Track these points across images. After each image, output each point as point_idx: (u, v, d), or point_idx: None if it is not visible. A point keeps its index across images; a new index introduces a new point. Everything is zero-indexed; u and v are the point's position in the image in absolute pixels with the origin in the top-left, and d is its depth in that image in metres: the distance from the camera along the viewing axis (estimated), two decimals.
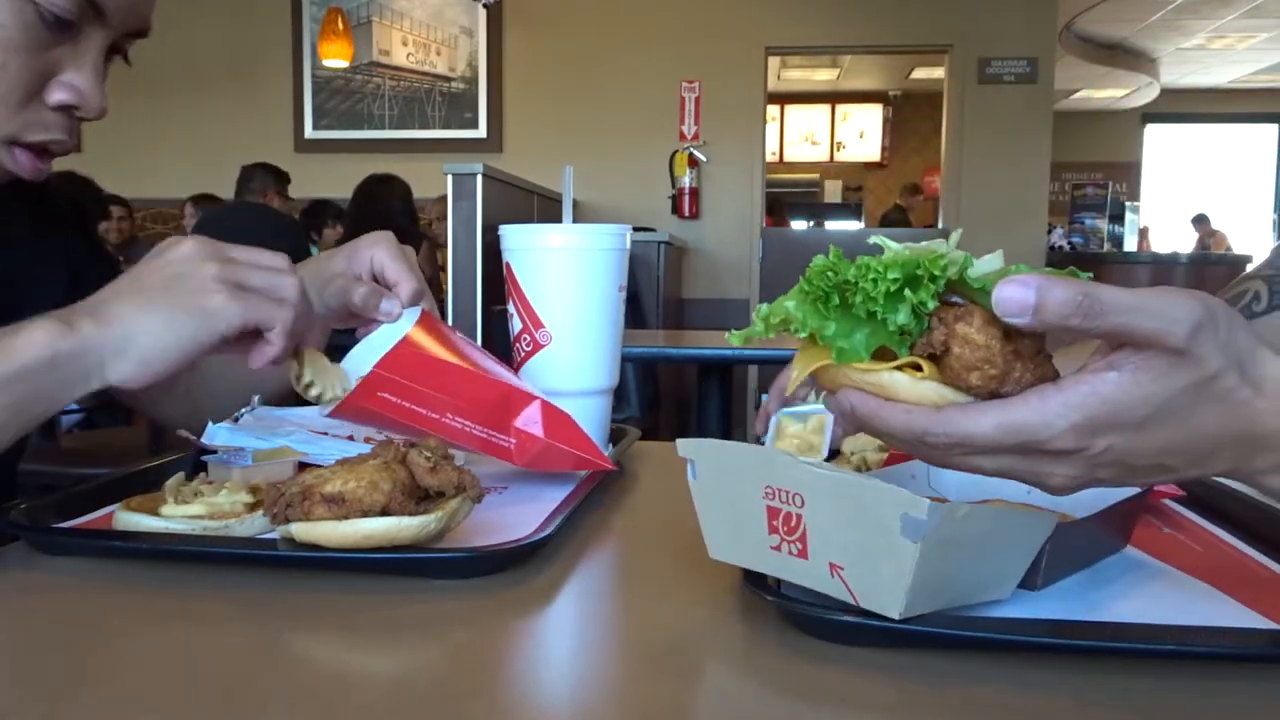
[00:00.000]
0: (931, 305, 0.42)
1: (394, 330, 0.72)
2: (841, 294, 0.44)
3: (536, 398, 0.73)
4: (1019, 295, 0.40)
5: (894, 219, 8.18)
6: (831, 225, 9.10)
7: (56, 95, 0.71)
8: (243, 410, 0.85)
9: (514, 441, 0.72)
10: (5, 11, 0.66)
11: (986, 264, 0.42)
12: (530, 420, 0.72)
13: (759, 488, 0.47)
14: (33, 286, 0.87)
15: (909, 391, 0.43)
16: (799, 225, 8.79)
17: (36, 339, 0.59)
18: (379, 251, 0.78)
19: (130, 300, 0.61)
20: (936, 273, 0.42)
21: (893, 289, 0.42)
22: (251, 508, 0.62)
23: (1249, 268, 1.10)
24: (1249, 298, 0.86)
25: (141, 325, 0.61)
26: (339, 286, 0.75)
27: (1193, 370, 0.41)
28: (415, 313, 0.74)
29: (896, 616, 0.44)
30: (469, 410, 0.71)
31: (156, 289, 0.62)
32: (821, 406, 0.85)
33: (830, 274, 0.44)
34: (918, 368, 0.43)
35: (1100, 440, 0.42)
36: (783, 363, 4.10)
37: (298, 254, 4.31)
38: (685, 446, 0.52)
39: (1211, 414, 0.42)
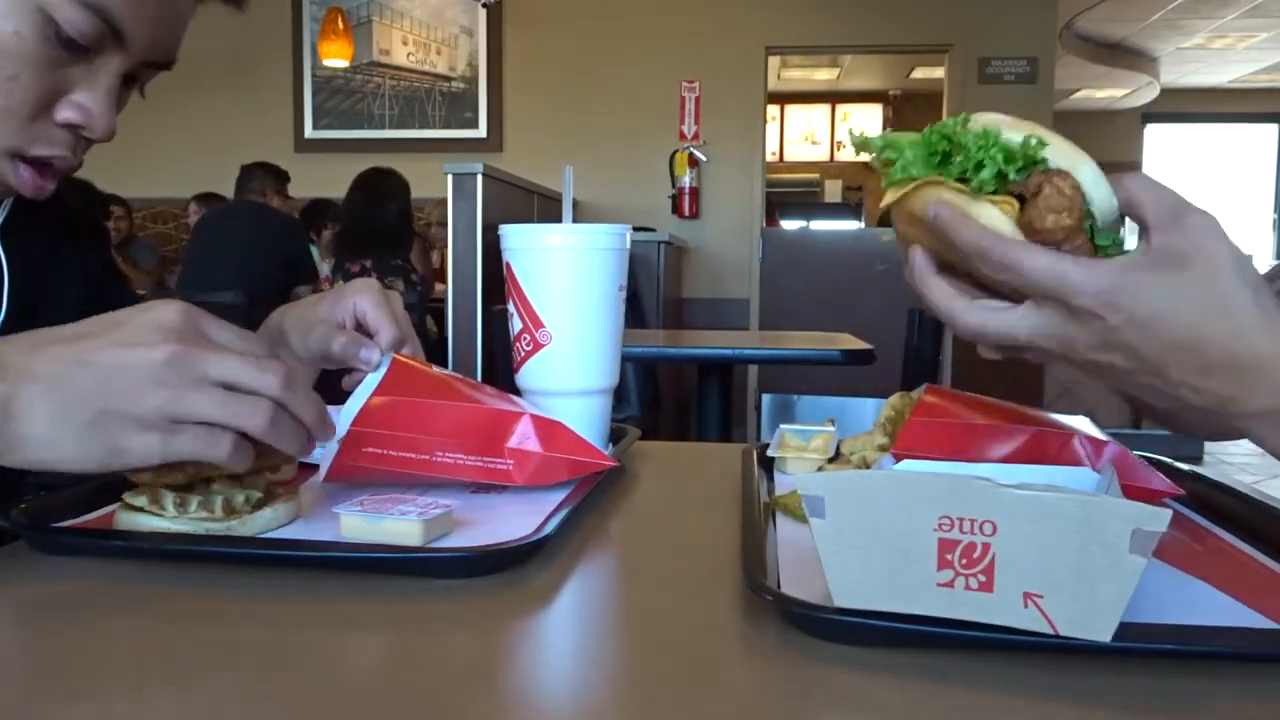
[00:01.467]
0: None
1: (373, 380, 0.72)
2: (951, 156, 0.54)
3: (524, 413, 0.73)
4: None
5: None
6: (831, 225, 9.10)
7: (64, 113, 0.71)
8: None
9: (511, 463, 0.71)
10: (25, 23, 0.66)
11: (1089, 176, 0.52)
12: (523, 437, 0.72)
13: (930, 519, 0.44)
14: (50, 286, 0.87)
15: (989, 217, 0.52)
16: (798, 225, 8.78)
17: None
18: (362, 299, 0.78)
19: (49, 390, 0.53)
20: (1037, 160, 0.52)
21: (995, 172, 0.52)
22: (253, 507, 0.62)
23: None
24: None
25: (45, 434, 0.53)
26: (320, 334, 0.75)
27: (1204, 266, 0.49)
28: (388, 359, 0.74)
29: (1108, 640, 0.42)
30: (458, 443, 0.71)
31: (86, 391, 0.53)
32: (825, 428, 0.85)
33: (948, 139, 0.54)
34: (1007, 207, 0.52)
35: (1117, 314, 0.49)
36: (783, 363, 4.06)
37: (298, 253, 4.31)
38: (813, 483, 0.46)
39: (1214, 319, 0.49)
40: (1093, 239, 0.53)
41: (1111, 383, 0.54)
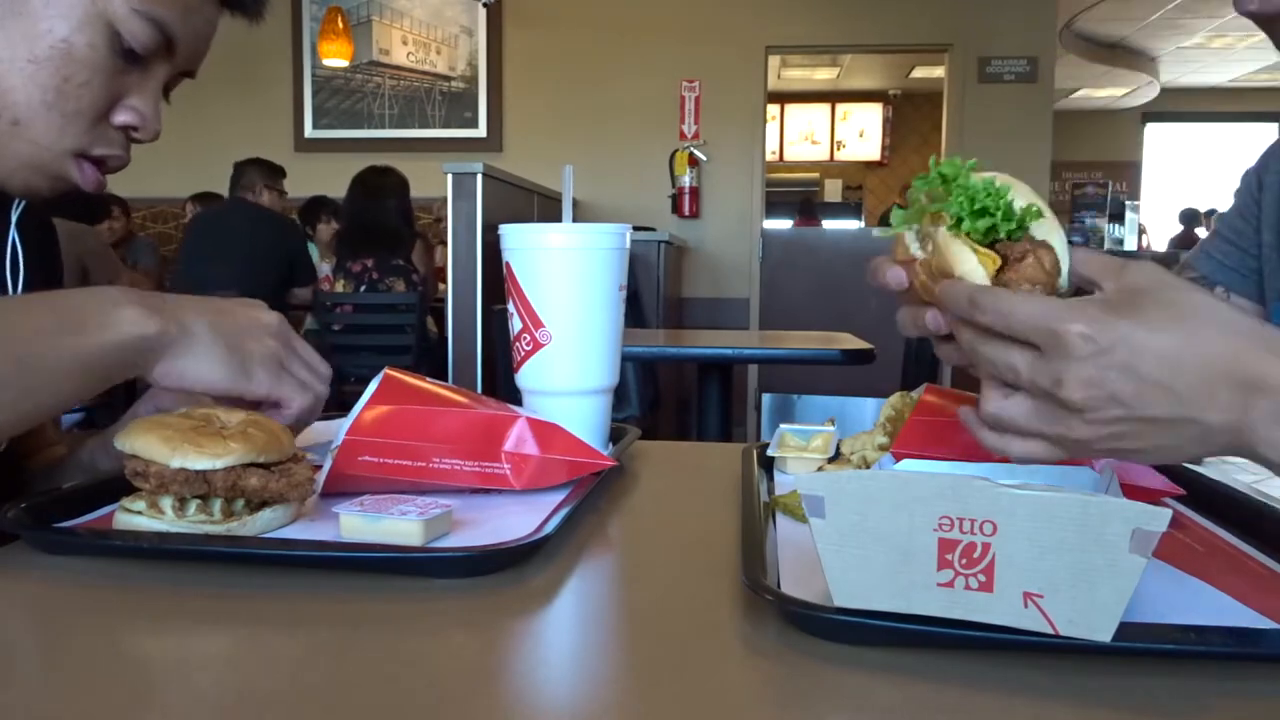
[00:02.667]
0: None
1: (365, 392, 0.72)
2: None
3: (519, 416, 0.73)
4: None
5: None
6: (832, 225, 9.10)
7: (122, 116, 0.78)
8: None
9: (508, 467, 0.71)
10: (99, 36, 0.73)
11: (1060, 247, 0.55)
12: (520, 440, 0.72)
13: (931, 519, 0.44)
14: (54, 276, 0.92)
15: (968, 265, 0.55)
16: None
17: (130, 316, 0.65)
18: (162, 399, 0.81)
19: (206, 319, 0.69)
20: (1027, 227, 0.56)
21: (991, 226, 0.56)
22: (253, 510, 0.62)
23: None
24: None
25: (201, 345, 0.68)
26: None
27: (1174, 293, 0.50)
28: (379, 375, 0.74)
29: (1108, 640, 0.42)
30: (454, 449, 0.70)
31: (227, 327, 0.70)
32: (825, 428, 0.85)
33: (945, 179, 0.58)
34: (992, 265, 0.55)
35: (1108, 334, 0.49)
36: (783, 362, 4.05)
37: (296, 255, 4.30)
38: (813, 483, 0.46)
39: (1202, 336, 0.49)
40: None
41: (1128, 457, 0.53)
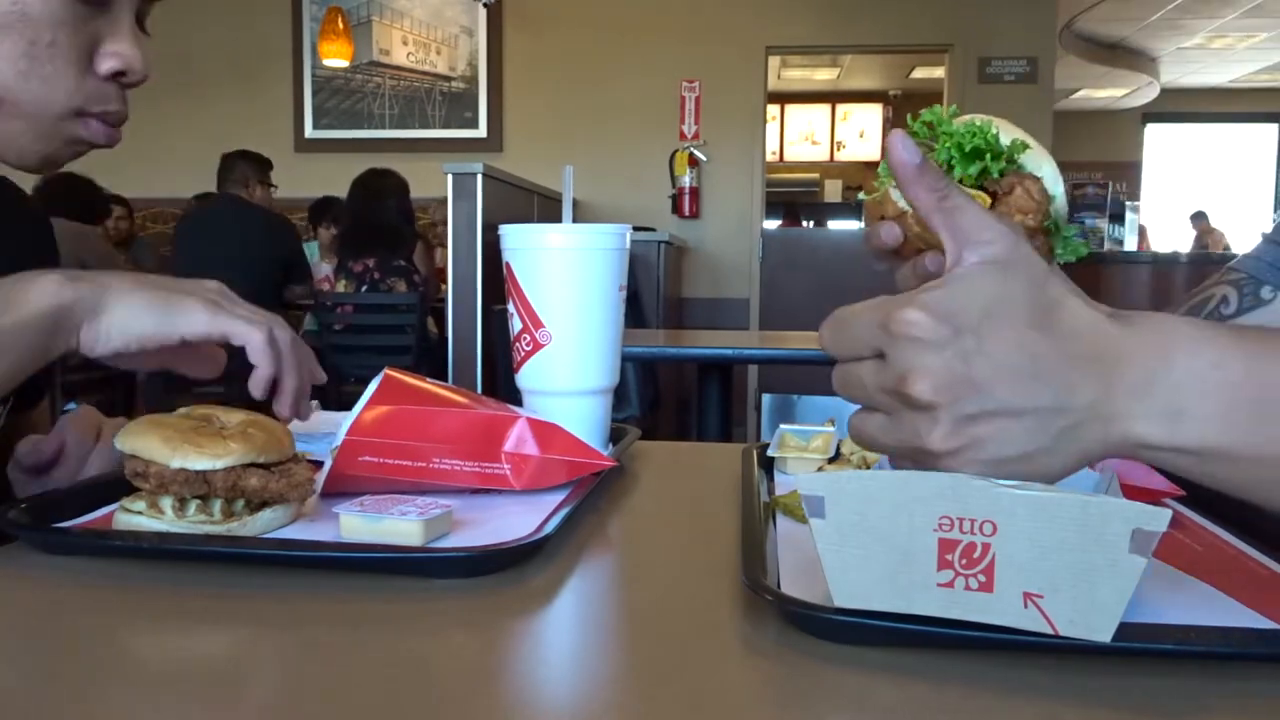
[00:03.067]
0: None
1: (365, 393, 0.73)
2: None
3: (519, 416, 0.73)
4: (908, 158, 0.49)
5: None
6: (832, 225, 9.10)
7: (107, 64, 0.75)
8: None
9: (508, 467, 0.71)
10: None
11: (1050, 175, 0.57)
12: (520, 440, 0.72)
13: (930, 519, 0.43)
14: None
15: None
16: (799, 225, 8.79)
17: (47, 288, 0.64)
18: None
19: (123, 280, 0.67)
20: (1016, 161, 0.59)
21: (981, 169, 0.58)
22: (253, 510, 0.62)
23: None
24: (1215, 302, 0.86)
25: (121, 300, 0.66)
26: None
27: (1023, 269, 0.46)
28: (379, 376, 0.74)
29: (1109, 640, 0.42)
30: (454, 449, 0.70)
31: (150, 285, 0.68)
32: (825, 428, 0.85)
33: (929, 127, 0.59)
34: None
35: (955, 319, 0.44)
36: (783, 363, 4.04)
37: (293, 255, 4.29)
38: (814, 484, 0.45)
39: (1056, 316, 0.45)
40: (1050, 239, 0.58)
41: (998, 471, 0.45)
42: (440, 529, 0.60)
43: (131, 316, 0.66)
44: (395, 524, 0.58)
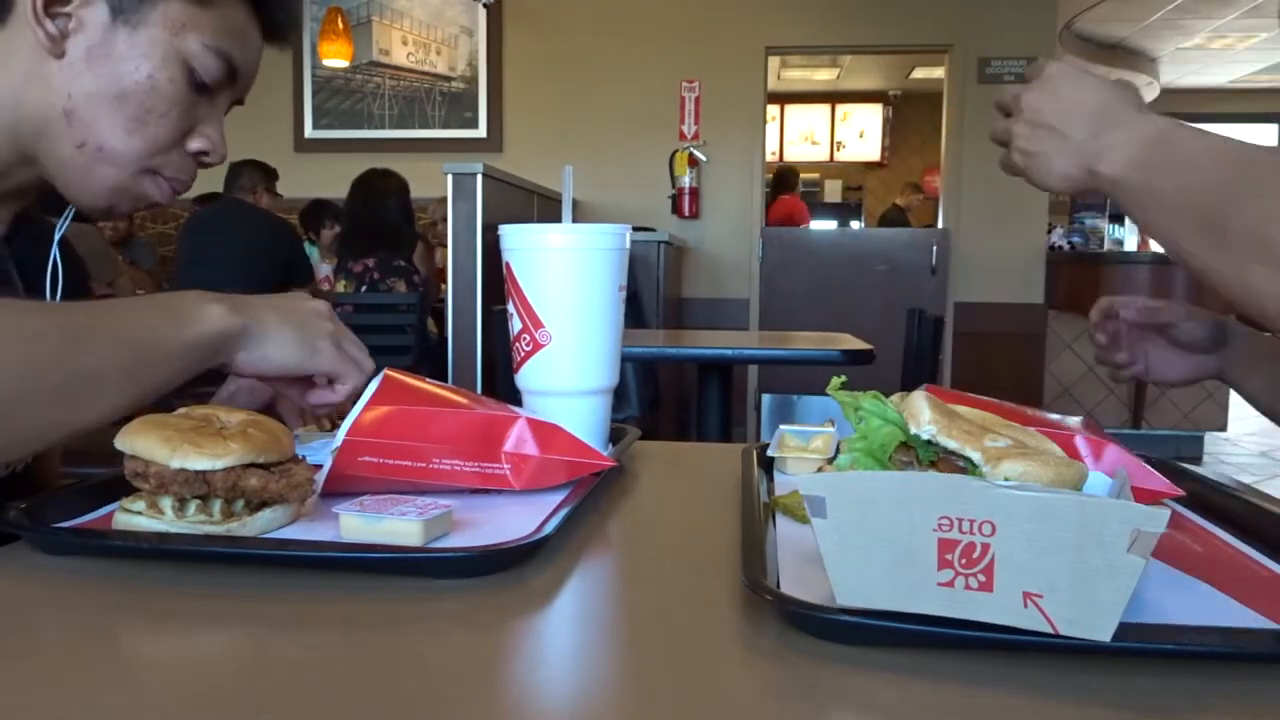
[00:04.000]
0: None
1: (365, 393, 0.73)
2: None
3: (519, 417, 0.73)
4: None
5: (892, 218, 8.17)
6: (830, 224, 9.10)
7: (196, 144, 0.87)
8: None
9: (508, 467, 0.71)
10: (178, 71, 0.82)
11: None
12: (519, 441, 0.72)
13: (930, 519, 0.44)
14: (83, 284, 1.02)
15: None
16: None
17: (216, 313, 0.73)
18: None
19: (273, 313, 0.78)
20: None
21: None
22: (253, 510, 0.62)
23: None
24: None
25: (275, 333, 0.77)
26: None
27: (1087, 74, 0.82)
28: (379, 376, 0.75)
29: (1108, 639, 0.42)
30: (454, 450, 0.70)
31: (289, 318, 0.79)
32: (825, 428, 0.85)
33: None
34: None
35: (1043, 82, 0.83)
36: (783, 363, 4.06)
37: (294, 256, 4.28)
38: (815, 484, 0.46)
39: (1104, 89, 0.80)
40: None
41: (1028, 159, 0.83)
42: (440, 529, 0.60)
43: (283, 351, 0.77)
44: (395, 524, 0.58)
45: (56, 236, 0.91)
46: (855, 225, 9.31)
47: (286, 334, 0.78)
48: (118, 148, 0.82)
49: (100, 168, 0.82)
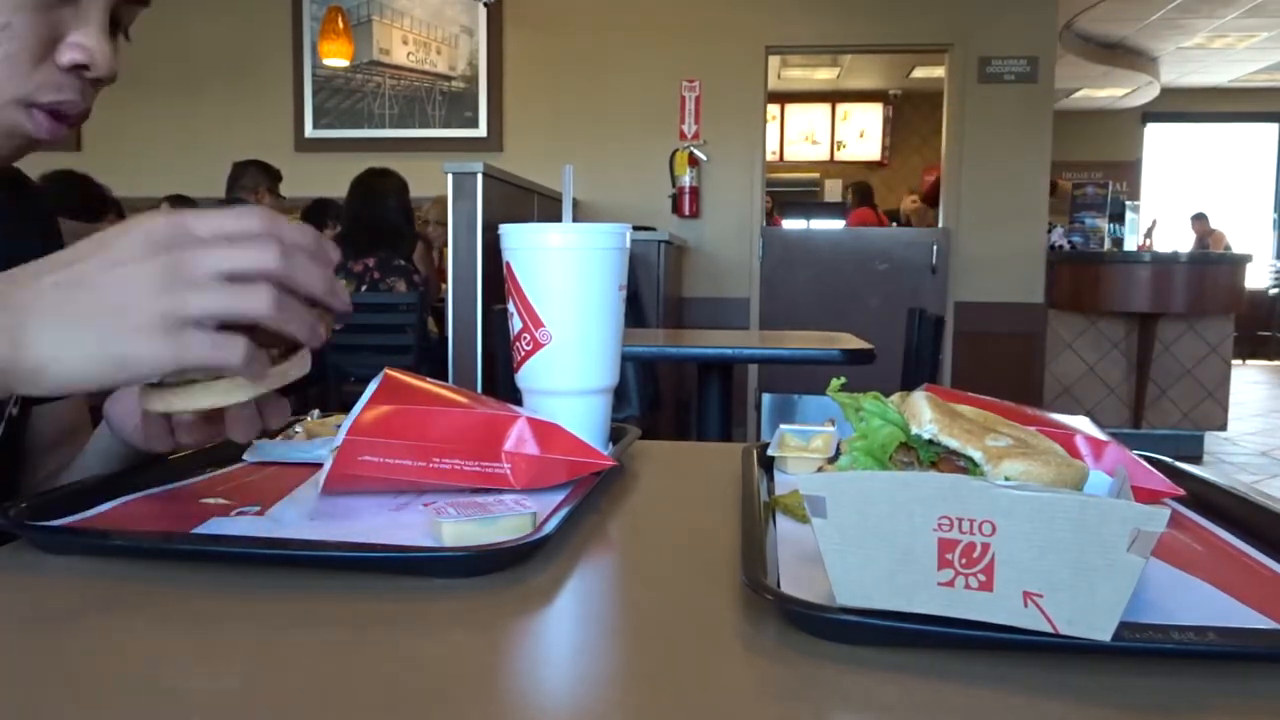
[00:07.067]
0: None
1: (366, 392, 0.73)
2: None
3: (519, 416, 0.73)
4: None
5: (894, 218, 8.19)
6: (831, 224, 9.10)
7: (67, 55, 0.71)
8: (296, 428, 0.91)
9: (509, 466, 0.71)
10: None
11: None
12: (520, 440, 0.72)
13: (930, 519, 0.44)
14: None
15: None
16: (798, 224, 8.78)
17: None
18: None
19: (52, 318, 0.53)
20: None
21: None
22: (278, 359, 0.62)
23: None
24: None
25: (58, 353, 0.53)
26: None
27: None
28: (379, 376, 0.75)
29: (1108, 639, 0.42)
30: (455, 449, 0.70)
31: (86, 310, 0.53)
32: (825, 428, 0.85)
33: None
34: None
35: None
36: (783, 362, 4.06)
37: None
38: (815, 483, 0.46)
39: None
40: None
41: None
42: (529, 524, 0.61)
43: (75, 370, 0.54)
44: (510, 521, 0.59)
45: None
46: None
47: (75, 344, 0.53)
48: None
49: None
